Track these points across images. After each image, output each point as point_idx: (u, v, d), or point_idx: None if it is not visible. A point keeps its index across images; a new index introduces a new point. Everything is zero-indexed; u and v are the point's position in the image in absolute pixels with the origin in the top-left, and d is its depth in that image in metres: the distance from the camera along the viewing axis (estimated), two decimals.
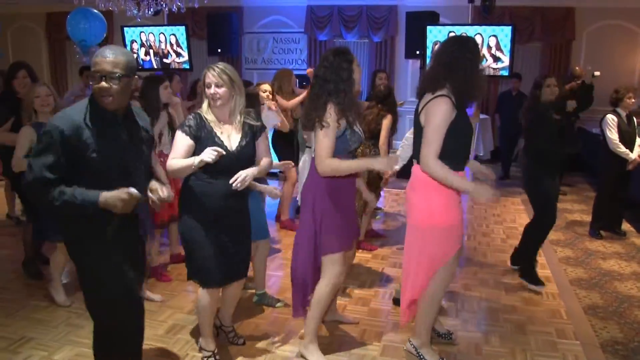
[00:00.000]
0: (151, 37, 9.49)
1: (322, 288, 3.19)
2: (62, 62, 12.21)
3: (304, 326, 3.33)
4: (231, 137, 3.00)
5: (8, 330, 3.68)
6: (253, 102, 3.79)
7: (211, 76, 2.93)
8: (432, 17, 8.72)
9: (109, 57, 2.36)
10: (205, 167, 2.88)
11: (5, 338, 3.57)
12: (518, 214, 6.67)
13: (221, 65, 3.00)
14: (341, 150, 3.03)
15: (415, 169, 3.07)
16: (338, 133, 3.00)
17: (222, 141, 2.96)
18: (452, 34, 7.62)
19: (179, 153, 2.91)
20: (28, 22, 12.17)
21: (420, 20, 8.56)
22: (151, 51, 9.62)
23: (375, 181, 5.02)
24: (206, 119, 2.98)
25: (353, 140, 3.08)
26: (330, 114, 2.96)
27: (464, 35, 3.37)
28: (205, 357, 3.25)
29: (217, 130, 2.98)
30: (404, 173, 3.99)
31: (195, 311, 3.27)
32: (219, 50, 9.90)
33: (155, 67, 9.66)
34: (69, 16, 8.87)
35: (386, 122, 4.97)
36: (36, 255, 4.73)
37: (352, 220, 3.32)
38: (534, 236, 4.54)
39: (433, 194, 2.98)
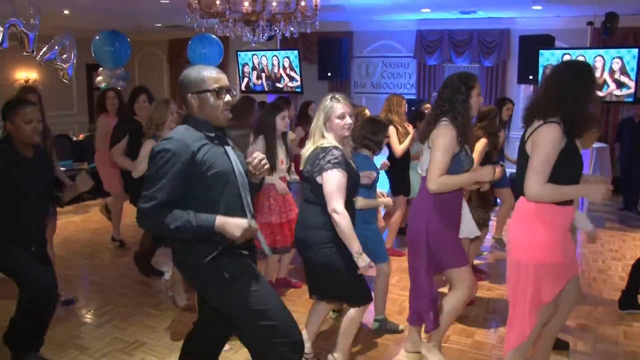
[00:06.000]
0: (264, 61, 9.87)
1: (456, 299, 3.32)
2: None
3: (434, 332, 3.46)
4: (354, 165, 3.12)
5: (124, 333, 3.94)
6: (381, 130, 3.84)
7: (345, 106, 2.99)
8: (547, 41, 8.40)
9: (222, 73, 2.49)
10: (350, 193, 3.00)
11: (121, 340, 3.83)
12: (639, 250, 6.19)
13: (341, 94, 3.08)
14: (454, 171, 3.08)
15: (521, 201, 2.90)
16: (452, 154, 3.09)
17: (357, 170, 3.11)
18: (567, 57, 7.30)
19: (344, 192, 2.92)
20: (153, 48, 13.08)
21: (535, 44, 8.26)
22: (263, 75, 10.00)
23: (485, 198, 4.77)
24: (341, 149, 3.01)
25: (467, 162, 3.14)
26: (446, 133, 3.04)
27: (579, 59, 3.20)
28: None
29: (349, 159, 3.07)
30: None
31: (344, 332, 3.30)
32: (329, 74, 10.12)
33: (267, 89, 10.02)
34: (191, 42, 9.48)
35: (479, 147, 4.54)
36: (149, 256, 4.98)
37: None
38: None
39: (539, 228, 2.80)
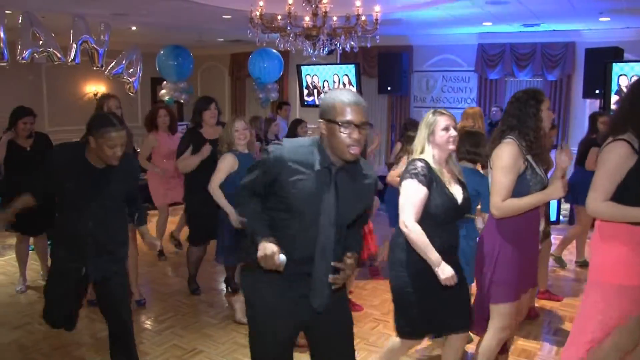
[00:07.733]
0: (315, 79, 10.02)
1: (488, 341, 3.02)
2: (241, 97, 13.24)
3: None
4: (453, 188, 2.84)
5: (183, 340, 4.01)
6: (482, 141, 3.79)
7: (448, 119, 2.83)
8: (616, 53, 8.10)
9: (362, 103, 2.18)
10: (433, 218, 2.77)
11: (180, 347, 3.91)
12: None
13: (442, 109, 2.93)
14: (521, 191, 2.85)
15: (598, 221, 2.74)
16: (517, 173, 2.86)
17: (451, 193, 2.81)
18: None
19: (417, 205, 2.73)
20: (215, 62, 13.41)
21: (602, 57, 7.98)
22: (315, 91, 10.15)
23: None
24: (432, 167, 2.80)
25: (534, 181, 2.89)
26: (507, 152, 2.84)
27: None
28: None
29: (445, 180, 2.82)
30: None
31: None
32: (389, 88, 10.12)
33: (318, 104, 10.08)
34: (251, 56, 9.67)
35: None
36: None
37: (533, 267, 3.12)
38: None
39: (618, 248, 2.63)
